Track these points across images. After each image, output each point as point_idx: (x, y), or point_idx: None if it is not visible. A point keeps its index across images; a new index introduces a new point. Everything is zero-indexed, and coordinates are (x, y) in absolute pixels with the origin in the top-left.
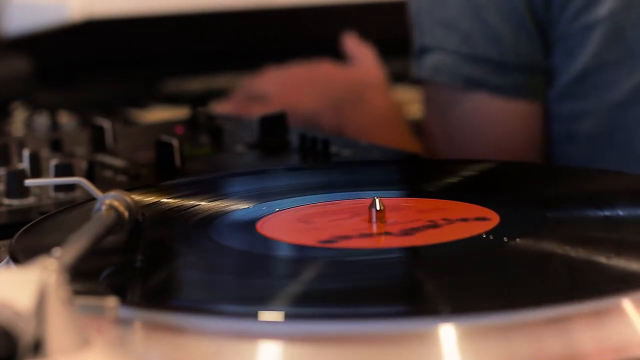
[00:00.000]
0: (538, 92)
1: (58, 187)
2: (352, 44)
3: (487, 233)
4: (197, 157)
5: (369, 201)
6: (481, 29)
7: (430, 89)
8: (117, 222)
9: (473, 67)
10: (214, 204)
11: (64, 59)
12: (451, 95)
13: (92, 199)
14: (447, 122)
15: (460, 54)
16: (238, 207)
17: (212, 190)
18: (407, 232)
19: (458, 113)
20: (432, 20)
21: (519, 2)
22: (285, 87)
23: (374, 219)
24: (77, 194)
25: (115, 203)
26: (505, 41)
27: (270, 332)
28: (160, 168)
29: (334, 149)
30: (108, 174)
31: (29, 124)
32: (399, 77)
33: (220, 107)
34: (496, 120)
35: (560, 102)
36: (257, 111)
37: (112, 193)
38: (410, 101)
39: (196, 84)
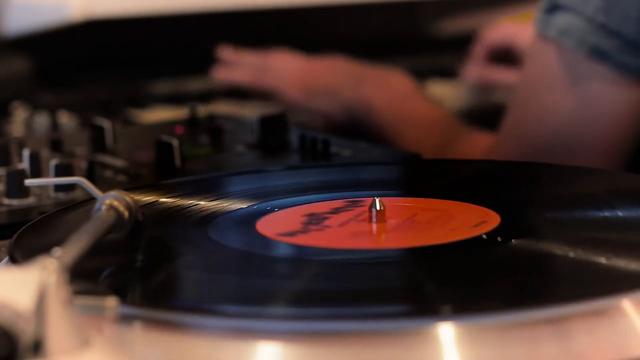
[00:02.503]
0: None
1: (58, 187)
2: None
3: (487, 233)
4: (197, 157)
5: (369, 201)
6: (624, 2)
7: (549, 49)
8: (117, 222)
9: (604, 38)
10: (214, 203)
11: (64, 59)
12: (572, 61)
13: (92, 198)
14: (557, 88)
15: (594, 21)
16: (238, 206)
17: (211, 189)
18: (407, 232)
19: (577, 80)
20: None
21: None
22: (303, 71)
23: (374, 219)
24: (77, 194)
25: (116, 203)
26: None
27: (270, 332)
28: (160, 168)
29: (334, 149)
30: (108, 174)
31: (29, 124)
32: None
33: (228, 73)
34: (611, 98)
35: None
36: (272, 83)
37: (112, 193)
38: None
39: (196, 84)
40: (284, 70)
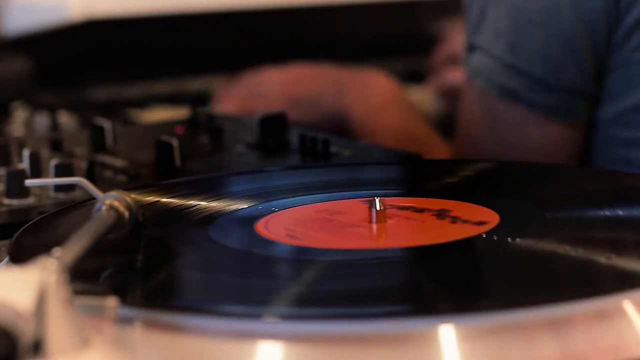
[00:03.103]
0: (577, 115)
1: (58, 187)
2: None
3: (487, 233)
4: (197, 157)
5: (369, 201)
6: (528, 44)
7: (470, 88)
8: (117, 222)
9: (512, 78)
10: (214, 203)
11: (64, 59)
12: (487, 100)
13: (92, 199)
14: (479, 126)
15: (502, 62)
16: (238, 207)
17: (212, 190)
18: (407, 232)
19: (494, 121)
20: (483, 20)
21: (574, 27)
22: (287, 82)
23: (374, 219)
24: (77, 194)
25: (116, 203)
26: (551, 61)
27: (270, 332)
28: (160, 168)
29: (334, 149)
30: (108, 174)
31: (29, 124)
32: (400, 76)
33: (221, 106)
34: (528, 137)
35: (615, 127)
36: (260, 106)
37: (112, 193)
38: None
39: (196, 84)
40: (269, 87)
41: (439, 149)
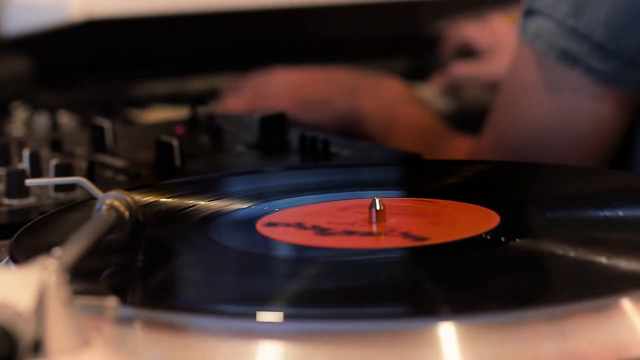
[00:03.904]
0: (634, 88)
1: (58, 187)
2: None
3: (487, 233)
4: (197, 157)
5: (369, 201)
6: (592, 7)
7: (526, 53)
8: (118, 222)
9: (573, 41)
10: (214, 203)
11: (64, 59)
12: (545, 66)
13: (92, 198)
14: (533, 92)
15: (564, 25)
16: (238, 206)
17: (212, 189)
18: (407, 232)
19: (546, 83)
20: None
21: None
22: (297, 83)
23: (374, 219)
24: (77, 194)
25: (116, 203)
26: (616, 26)
27: (270, 332)
28: (160, 168)
29: (334, 149)
30: (108, 174)
31: (29, 124)
32: (400, 76)
33: (229, 103)
34: (582, 104)
35: None
36: (268, 106)
37: (113, 193)
38: None
39: (196, 84)
40: (279, 88)
41: (457, 143)
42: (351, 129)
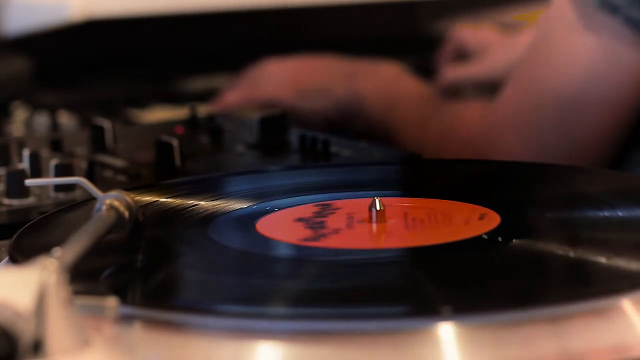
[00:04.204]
0: None
1: (58, 187)
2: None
3: (487, 233)
4: (197, 157)
5: (368, 201)
6: None
7: (564, 2)
8: (118, 222)
9: None
10: (214, 203)
11: (64, 59)
12: (585, 10)
13: (92, 198)
14: (572, 34)
15: None
16: (238, 206)
17: (211, 189)
18: (407, 232)
19: (585, 29)
20: None
21: None
22: (293, 70)
23: (374, 219)
24: (77, 194)
25: (116, 203)
26: None
27: (270, 332)
28: (160, 168)
29: (334, 149)
30: (108, 174)
31: (29, 124)
32: None
33: (225, 97)
34: (618, 52)
35: None
36: (261, 94)
37: (113, 193)
38: None
39: (196, 84)
40: (274, 76)
41: (466, 110)
42: (351, 114)
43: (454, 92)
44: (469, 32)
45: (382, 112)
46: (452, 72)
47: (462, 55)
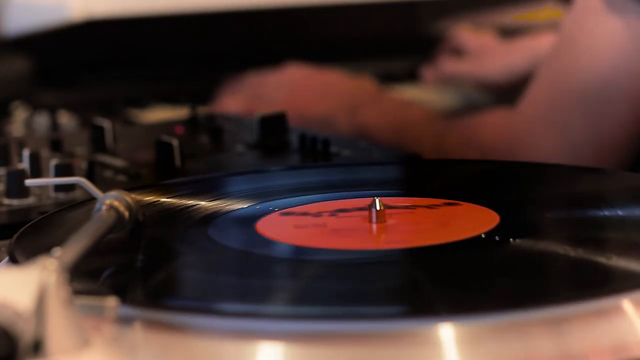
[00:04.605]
0: None
1: (58, 187)
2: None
3: (487, 233)
4: (197, 157)
5: (368, 201)
6: None
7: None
8: (118, 222)
9: None
10: (214, 203)
11: (64, 59)
12: (610, 2)
13: (92, 198)
14: (598, 27)
15: None
16: (238, 206)
17: (212, 189)
18: (407, 232)
19: (611, 20)
20: None
21: None
22: (295, 91)
23: (374, 219)
24: (77, 194)
25: (116, 203)
26: None
27: (270, 332)
28: (160, 168)
29: (334, 149)
30: (108, 174)
31: (29, 124)
32: (400, 76)
33: (226, 104)
34: (630, 35)
35: None
36: (264, 110)
37: (113, 193)
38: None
39: (196, 84)
40: (274, 93)
41: (485, 119)
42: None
43: (446, 83)
44: (469, 34)
45: (392, 138)
46: (449, 65)
47: (460, 53)
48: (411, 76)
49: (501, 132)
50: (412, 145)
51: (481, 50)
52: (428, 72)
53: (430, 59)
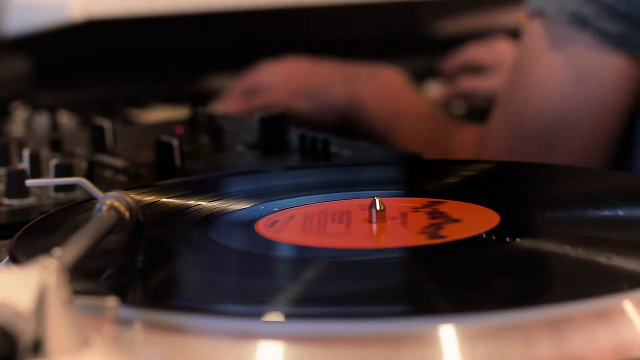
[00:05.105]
0: None
1: (58, 187)
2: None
3: (487, 233)
4: (197, 157)
5: (369, 201)
6: None
7: (536, 22)
8: (118, 222)
9: (583, 4)
10: (214, 203)
11: (64, 59)
12: (556, 30)
13: (92, 199)
14: (545, 60)
15: None
16: (238, 206)
17: (212, 190)
18: (407, 232)
19: (558, 50)
20: None
21: None
22: (290, 73)
23: (374, 219)
24: (77, 194)
25: (116, 203)
26: None
27: (270, 332)
28: (160, 168)
29: (334, 149)
30: (108, 174)
31: (29, 124)
32: None
33: (220, 106)
34: (591, 67)
35: None
36: (260, 102)
37: (113, 193)
38: None
39: (196, 84)
40: (270, 79)
41: (463, 134)
42: (351, 119)
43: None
44: (482, 49)
45: (383, 120)
46: (468, 83)
47: (476, 70)
48: (411, 77)
49: (470, 149)
50: (399, 135)
51: (497, 60)
52: (445, 89)
53: (443, 73)
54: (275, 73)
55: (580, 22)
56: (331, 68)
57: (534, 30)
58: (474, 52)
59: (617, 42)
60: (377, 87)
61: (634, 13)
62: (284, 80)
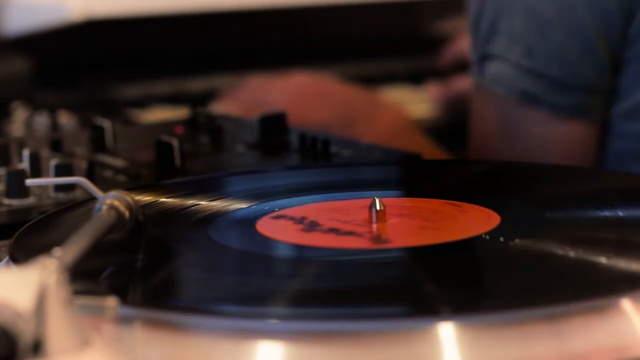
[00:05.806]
0: (597, 113)
1: (58, 187)
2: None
3: (487, 233)
4: (197, 157)
5: (369, 201)
6: (545, 45)
7: (485, 99)
8: (118, 222)
9: (532, 82)
10: (214, 203)
11: (64, 59)
12: (505, 107)
13: (92, 198)
14: (497, 134)
15: (520, 67)
16: (238, 206)
17: (212, 189)
18: (407, 232)
19: (512, 127)
20: (496, 29)
21: (590, 24)
22: (293, 98)
23: (374, 219)
24: (77, 194)
25: (116, 203)
26: (569, 61)
27: (270, 332)
28: (160, 168)
29: (334, 149)
30: (108, 174)
31: (29, 124)
32: (399, 77)
33: (225, 106)
34: (550, 139)
35: (627, 122)
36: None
37: (113, 193)
38: (410, 101)
39: (196, 84)
40: (275, 98)
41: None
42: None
43: (457, 103)
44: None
45: None
46: (461, 84)
47: (464, 65)
48: (411, 77)
49: None
50: None
51: None
52: (437, 90)
53: (438, 70)
54: (280, 91)
55: (532, 99)
56: (331, 103)
57: (486, 107)
58: (464, 46)
59: (573, 112)
60: (375, 130)
61: (585, 83)
62: (287, 106)
